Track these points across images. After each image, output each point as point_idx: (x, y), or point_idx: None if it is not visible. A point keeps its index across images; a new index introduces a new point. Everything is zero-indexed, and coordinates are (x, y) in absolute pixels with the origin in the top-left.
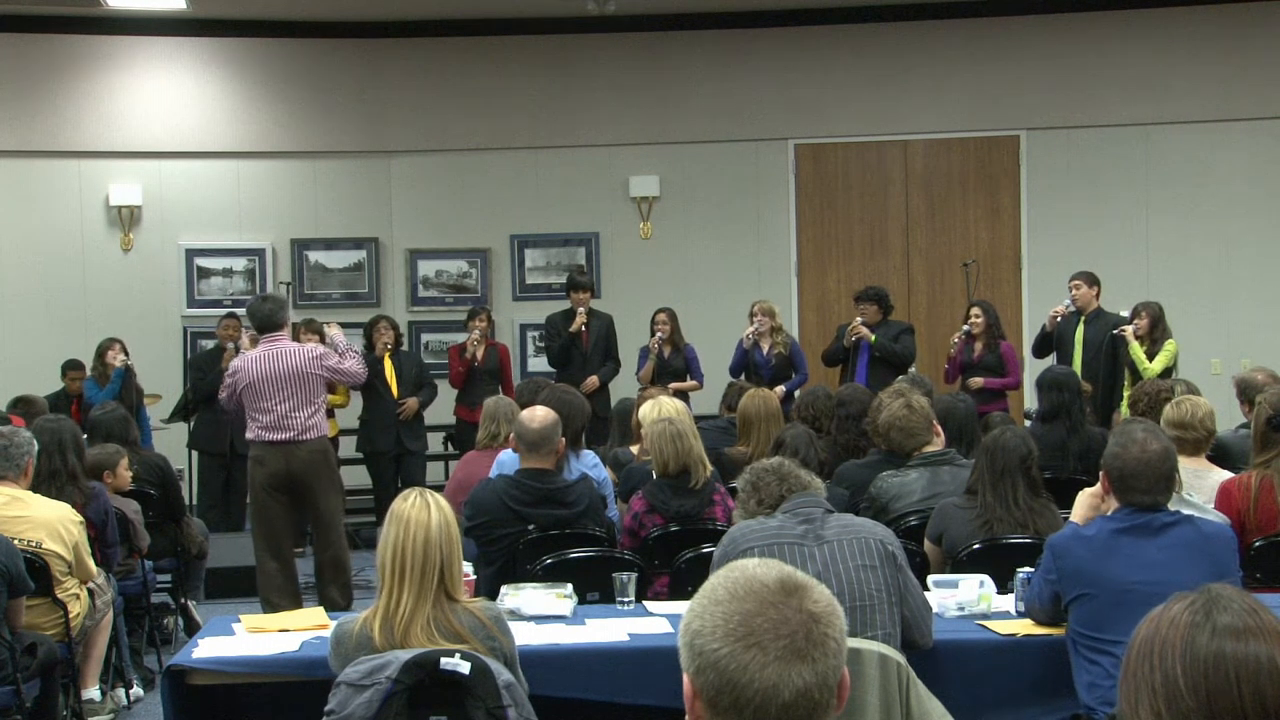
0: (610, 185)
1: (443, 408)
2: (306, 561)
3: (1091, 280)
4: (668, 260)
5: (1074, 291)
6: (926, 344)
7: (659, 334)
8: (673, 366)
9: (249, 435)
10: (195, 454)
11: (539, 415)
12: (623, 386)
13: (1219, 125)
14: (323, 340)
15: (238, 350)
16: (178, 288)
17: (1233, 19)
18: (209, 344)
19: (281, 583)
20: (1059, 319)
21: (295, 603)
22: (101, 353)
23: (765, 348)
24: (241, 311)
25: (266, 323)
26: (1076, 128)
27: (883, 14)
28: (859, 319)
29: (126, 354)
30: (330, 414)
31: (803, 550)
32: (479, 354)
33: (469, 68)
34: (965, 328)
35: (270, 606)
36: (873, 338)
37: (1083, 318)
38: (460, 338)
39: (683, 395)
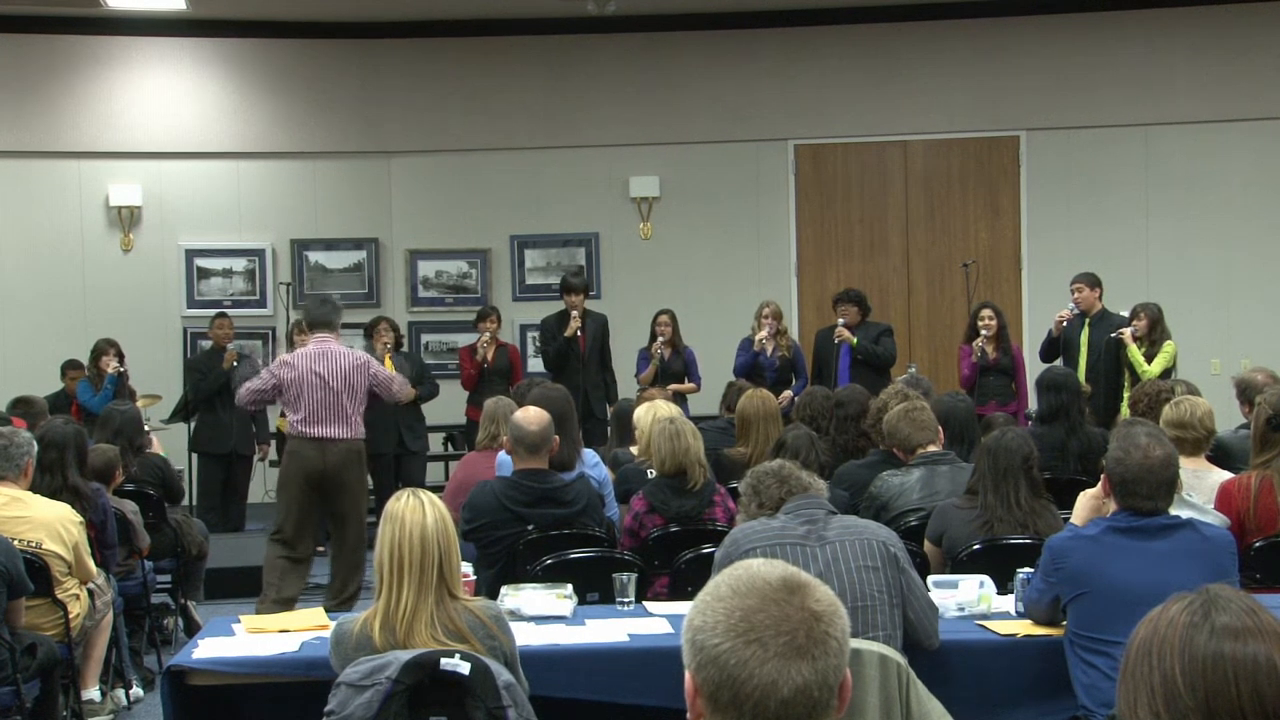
0: (610, 185)
1: (447, 408)
2: (320, 561)
3: (1093, 282)
4: (668, 260)
5: (1076, 295)
6: (926, 344)
7: (661, 337)
8: (672, 369)
9: (289, 430)
10: (196, 456)
11: (534, 416)
12: (621, 388)
13: (1219, 125)
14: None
15: (239, 352)
16: (178, 288)
17: (1233, 19)
18: (206, 344)
19: (286, 567)
20: (1064, 323)
21: (297, 587)
22: (96, 356)
23: (769, 350)
24: (233, 311)
25: (320, 322)
26: (1076, 128)
27: (883, 14)
28: (841, 320)
29: (122, 358)
30: None
31: (805, 551)
32: (489, 355)
33: (469, 68)
34: (984, 331)
35: (273, 589)
36: (854, 340)
37: (1087, 320)
38: (461, 338)
39: (680, 397)
